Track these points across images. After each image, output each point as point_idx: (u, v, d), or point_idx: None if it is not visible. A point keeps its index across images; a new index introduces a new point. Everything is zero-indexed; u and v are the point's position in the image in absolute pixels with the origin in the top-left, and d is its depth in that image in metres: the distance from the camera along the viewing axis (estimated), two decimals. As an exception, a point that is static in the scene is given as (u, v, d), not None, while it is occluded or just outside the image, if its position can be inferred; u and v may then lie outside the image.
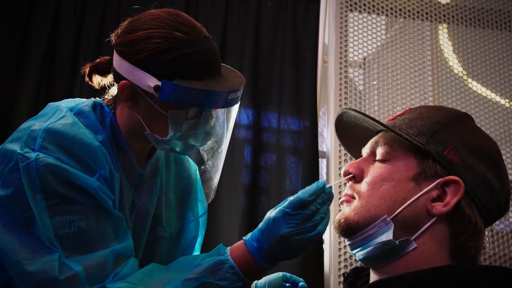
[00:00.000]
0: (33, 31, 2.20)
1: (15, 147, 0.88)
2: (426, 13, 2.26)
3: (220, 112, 1.03)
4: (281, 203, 0.86)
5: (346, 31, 2.18)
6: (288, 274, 1.11)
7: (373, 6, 2.22)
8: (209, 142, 1.06)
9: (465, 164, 0.76)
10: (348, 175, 0.81)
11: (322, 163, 2.39)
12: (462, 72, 2.32)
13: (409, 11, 2.25)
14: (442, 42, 2.30)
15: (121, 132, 1.00)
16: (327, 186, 0.85)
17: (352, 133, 0.88)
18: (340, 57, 2.18)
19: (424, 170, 0.76)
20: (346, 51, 2.19)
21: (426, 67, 2.32)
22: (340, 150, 2.32)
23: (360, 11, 2.19)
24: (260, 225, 0.88)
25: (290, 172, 2.30)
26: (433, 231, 0.75)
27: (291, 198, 0.85)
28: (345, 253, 1.96)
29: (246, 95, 2.36)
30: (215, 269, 0.86)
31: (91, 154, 0.91)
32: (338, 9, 2.15)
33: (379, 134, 0.83)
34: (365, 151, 0.84)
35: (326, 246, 2.11)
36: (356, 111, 0.82)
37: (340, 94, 2.21)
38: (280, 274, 1.10)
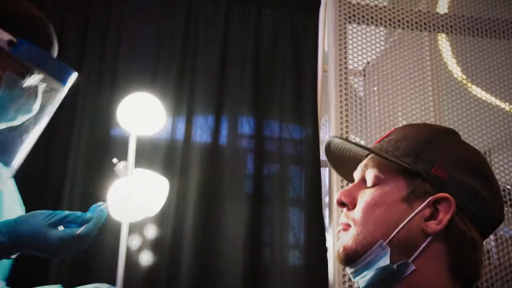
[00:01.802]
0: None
1: None
2: (425, 23, 2.28)
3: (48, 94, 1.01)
4: None
5: (345, 41, 2.20)
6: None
7: (371, 18, 2.23)
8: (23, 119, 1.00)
9: (453, 179, 0.76)
10: (341, 203, 0.82)
11: (325, 171, 2.40)
12: (462, 77, 2.34)
13: (407, 22, 2.27)
14: (441, 47, 2.32)
15: None
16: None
17: (342, 158, 0.89)
18: (340, 66, 2.20)
19: (414, 190, 0.76)
20: (345, 60, 2.20)
21: (426, 72, 2.33)
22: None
23: (358, 23, 2.21)
24: None
25: (293, 181, 2.31)
26: (431, 251, 0.75)
27: None
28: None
29: (247, 104, 2.39)
30: None
31: None
32: (336, 21, 2.17)
33: (368, 158, 0.84)
34: (356, 175, 0.85)
35: (330, 256, 2.11)
36: (341, 138, 0.85)
37: (340, 101, 2.23)
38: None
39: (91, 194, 1.95)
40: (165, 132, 2.30)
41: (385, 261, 0.73)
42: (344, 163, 0.91)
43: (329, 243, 2.14)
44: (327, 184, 2.38)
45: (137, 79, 2.27)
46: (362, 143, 2.33)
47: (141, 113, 1.69)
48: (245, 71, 2.39)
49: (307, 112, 2.39)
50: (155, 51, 2.36)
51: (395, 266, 0.73)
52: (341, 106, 2.24)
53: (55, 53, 1.01)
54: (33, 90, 0.95)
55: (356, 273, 0.79)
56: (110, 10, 2.34)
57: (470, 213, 0.76)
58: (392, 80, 2.26)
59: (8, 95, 0.91)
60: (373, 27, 2.24)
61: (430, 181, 0.76)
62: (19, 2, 0.96)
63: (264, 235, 2.22)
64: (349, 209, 0.81)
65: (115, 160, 1.71)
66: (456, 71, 2.36)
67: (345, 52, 2.20)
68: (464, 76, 2.34)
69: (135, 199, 1.62)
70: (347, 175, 0.92)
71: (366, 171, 0.82)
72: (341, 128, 2.29)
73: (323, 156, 2.37)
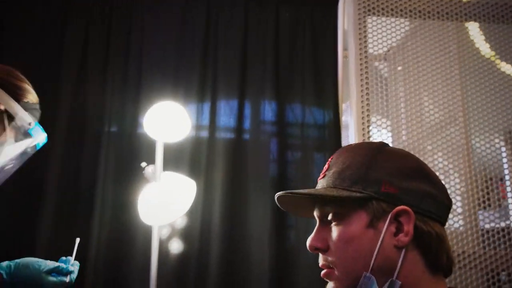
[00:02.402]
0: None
1: None
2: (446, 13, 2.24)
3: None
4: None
5: (365, 26, 2.18)
6: None
7: (391, 9, 2.20)
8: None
9: (402, 190, 0.80)
10: (315, 249, 0.85)
11: None
12: (488, 54, 2.30)
13: (428, 12, 2.23)
14: (467, 29, 2.28)
15: None
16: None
17: (297, 202, 0.91)
18: (360, 50, 2.19)
19: (374, 214, 0.80)
20: (365, 44, 2.19)
21: (452, 50, 2.30)
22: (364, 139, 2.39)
23: (378, 16, 2.19)
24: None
25: (317, 165, 2.38)
26: (408, 260, 0.79)
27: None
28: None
29: (269, 89, 2.44)
30: None
31: None
32: (356, 11, 2.14)
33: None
34: (316, 214, 0.88)
35: None
36: (288, 192, 0.87)
37: (361, 85, 2.24)
38: None
39: (122, 199, 2.10)
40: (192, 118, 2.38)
41: None
42: (300, 206, 0.93)
43: None
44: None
45: (162, 69, 2.37)
46: (384, 122, 2.37)
47: (167, 122, 1.77)
48: (267, 58, 2.43)
49: (328, 97, 2.43)
50: (178, 39, 2.43)
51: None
52: (361, 90, 2.26)
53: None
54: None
55: None
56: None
57: (428, 213, 0.80)
58: (417, 60, 2.24)
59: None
60: (393, 19, 2.22)
61: (384, 199, 0.80)
62: (27, 84, 1.24)
63: (289, 218, 2.32)
64: (324, 252, 0.85)
65: (143, 164, 1.82)
66: (483, 48, 2.32)
67: (365, 36, 2.18)
68: (491, 53, 2.30)
69: (164, 204, 1.73)
70: (306, 214, 0.95)
71: (325, 209, 0.85)
72: (362, 112, 2.32)
73: (344, 141, 2.43)
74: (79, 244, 1.32)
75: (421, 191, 0.82)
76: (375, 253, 0.79)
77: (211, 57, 2.43)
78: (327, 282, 0.87)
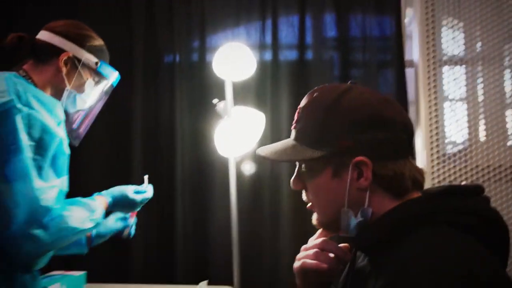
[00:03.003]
0: None
1: None
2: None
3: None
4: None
5: None
6: None
7: None
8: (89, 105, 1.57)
9: (357, 142, 0.87)
10: (297, 190, 0.98)
11: (410, 71, 2.46)
12: None
13: None
14: None
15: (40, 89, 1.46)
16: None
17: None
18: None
19: (336, 167, 0.89)
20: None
21: None
22: (428, 59, 2.38)
23: None
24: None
25: (379, 82, 2.45)
26: (375, 198, 0.89)
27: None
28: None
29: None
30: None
31: None
32: None
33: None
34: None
35: (417, 154, 2.30)
36: (261, 155, 0.97)
37: None
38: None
39: (198, 132, 2.34)
40: (254, 38, 2.51)
41: (353, 219, 0.91)
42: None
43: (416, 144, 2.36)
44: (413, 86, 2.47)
45: None
46: (450, 21, 2.37)
47: (234, 62, 1.89)
48: None
49: (390, 3, 2.42)
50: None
51: (360, 216, 0.89)
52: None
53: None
54: (97, 88, 1.53)
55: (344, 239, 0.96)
56: None
57: (385, 157, 0.88)
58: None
59: (88, 92, 1.51)
60: None
61: (343, 153, 0.88)
62: (93, 32, 1.50)
63: None
64: (305, 192, 0.96)
65: (215, 101, 1.98)
66: None
67: None
68: None
69: (237, 137, 1.90)
70: None
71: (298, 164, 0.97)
72: (427, 13, 2.33)
73: (408, 56, 2.43)
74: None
75: (377, 139, 0.87)
76: (346, 199, 0.89)
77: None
78: None
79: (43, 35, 1.45)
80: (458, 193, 0.91)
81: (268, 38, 2.51)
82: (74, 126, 1.61)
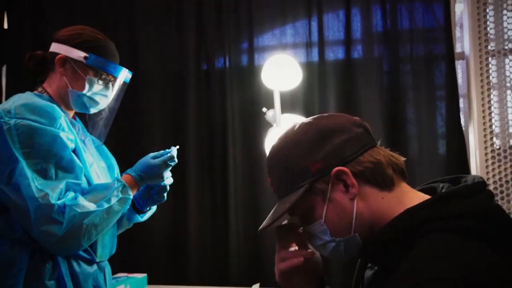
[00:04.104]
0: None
1: None
2: None
3: (114, 85, 1.61)
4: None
5: None
6: None
7: None
8: (104, 104, 1.62)
9: (324, 160, 0.91)
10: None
11: (462, 63, 2.43)
12: None
13: None
14: None
15: (56, 102, 1.56)
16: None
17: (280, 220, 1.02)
18: None
19: (322, 192, 0.91)
20: None
21: None
22: (480, 49, 2.34)
23: None
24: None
25: (429, 74, 2.43)
26: (368, 199, 0.91)
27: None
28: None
29: None
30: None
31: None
32: None
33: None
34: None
35: (468, 144, 2.33)
36: (263, 227, 0.99)
37: None
38: None
39: (249, 141, 2.46)
40: (301, 36, 2.57)
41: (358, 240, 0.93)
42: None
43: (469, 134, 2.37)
44: (461, 78, 2.45)
45: None
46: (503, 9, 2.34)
47: (282, 74, 1.99)
48: None
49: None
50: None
51: (343, 242, 0.92)
52: None
53: (116, 59, 1.58)
54: (106, 85, 1.56)
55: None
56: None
57: (354, 155, 0.91)
58: None
59: (91, 90, 1.54)
60: None
61: (319, 177, 0.91)
62: (87, 30, 1.56)
63: (407, 125, 2.48)
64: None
65: (264, 109, 2.07)
66: None
67: None
68: None
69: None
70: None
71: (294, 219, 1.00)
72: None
73: (458, 48, 2.40)
74: None
75: (336, 145, 0.91)
76: (341, 219, 0.91)
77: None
78: None
79: (51, 47, 1.57)
80: (463, 193, 0.89)
81: (315, 36, 2.55)
82: (92, 124, 1.73)
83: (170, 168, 1.58)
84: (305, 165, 0.92)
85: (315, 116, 1.00)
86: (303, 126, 0.97)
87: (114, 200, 1.48)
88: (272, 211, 0.99)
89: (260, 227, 1.00)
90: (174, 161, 1.58)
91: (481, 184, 0.92)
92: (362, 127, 0.95)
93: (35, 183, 1.38)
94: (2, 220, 1.48)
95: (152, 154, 1.59)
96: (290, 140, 0.96)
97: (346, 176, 0.90)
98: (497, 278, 0.78)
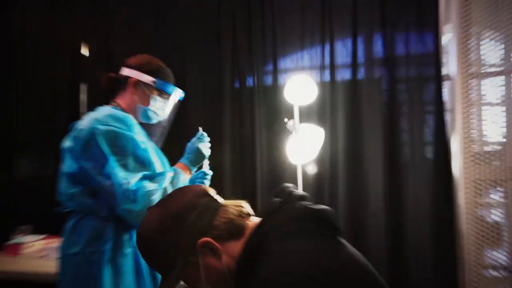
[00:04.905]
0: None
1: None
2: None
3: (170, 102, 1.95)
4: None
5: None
6: None
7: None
8: (163, 116, 1.96)
9: (185, 238, 0.98)
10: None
11: (447, 84, 2.76)
12: None
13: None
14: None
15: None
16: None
17: None
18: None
19: (193, 263, 0.98)
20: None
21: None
22: (463, 72, 2.61)
23: None
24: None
25: (421, 93, 2.76)
26: (228, 251, 0.99)
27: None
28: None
29: (377, 24, 2.82)
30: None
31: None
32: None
33: None
34: None
35: (453, 152, 2.65)
36: None
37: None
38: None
39: (274, 147, 2.88)
40: (316, 60, 2.94)
41: None
42: None
43: (453, 141, 2.70)
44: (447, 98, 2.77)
45: (290, 22, 2.96)
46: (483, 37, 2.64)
47: (301, 91, 2.46)
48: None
49: (430, 23, 2.76)
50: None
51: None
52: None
53: (174, 82, 1.93)
54: (165, 102, 1.92)
55: None
56: None
57: (208, 221, 1.00)
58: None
59: (154, 106, 1.89)
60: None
61: (189, 253, 0.98)
62: (153, 60, 1.91)
63: (401, 134, 2.80)
64: None
65: (286, 120, 2.54)
66: None
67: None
68: None
69: (303, 148, 2.46)
70: None
71: None
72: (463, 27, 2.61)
73: (445, 71, 2.76)
74: None
75: (192, 224, 0.99)
76: (226, 271, 0.98)
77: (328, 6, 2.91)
78: None
79: (122, 71, 1.89)
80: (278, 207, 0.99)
81: (327, 60, 2.91)
82: (152, 132, 2.01)
83: (204, 143, 1.95)
84: (175, 247, 0.98)
85: (162, 200, 1.08)
86: (157, 215, 1.03)
87: (168, 181, 1.75)
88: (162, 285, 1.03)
89: None
90: (203, 135, 1.95)
91: (286, 193, 1.04)
92: (206, 195, 1.04)
93: (120, 173, 1.65)
94: (94, 201, 1.75)
95: (193, 140, 1.96)
96: (154, 231, 1.01)
97: (209, 243, 0.97)
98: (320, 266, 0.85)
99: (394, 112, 2.82)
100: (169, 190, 1.75)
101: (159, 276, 1.92)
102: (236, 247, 0.99)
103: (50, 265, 2.39)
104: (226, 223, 1.00)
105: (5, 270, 2.58)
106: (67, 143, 1.80)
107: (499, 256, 2.58)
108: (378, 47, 2.85)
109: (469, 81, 2.65)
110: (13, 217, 3.09)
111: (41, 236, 3.04)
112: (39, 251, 2.88)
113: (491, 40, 2.60)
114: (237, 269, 0.96)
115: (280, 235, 0.93)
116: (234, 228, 1.01)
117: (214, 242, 0.97)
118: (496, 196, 2.61)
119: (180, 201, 1.03)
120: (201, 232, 0.98)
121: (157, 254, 1.01)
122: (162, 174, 1.77)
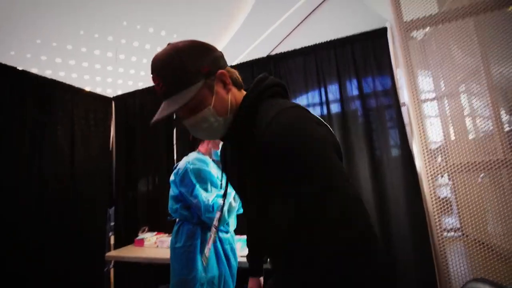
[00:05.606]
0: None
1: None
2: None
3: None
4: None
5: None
6: None
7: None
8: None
9: (209, 65, 1.08)
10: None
11: (404, 108, 3.39)
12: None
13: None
14: None
15: (206, 156, 2.31)
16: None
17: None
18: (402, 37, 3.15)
19: (209, 88, 1.09)
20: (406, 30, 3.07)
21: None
22: (414, 99, 3.25)
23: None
24: None
25: (387, 116, 3.49)
26: (233, 92, 1.14)
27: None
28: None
29: (352, 73, 3.75)
30: None
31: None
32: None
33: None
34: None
35: (414, 153, 3.33)
36: (157, 120, 1.09)
37: (405, 56, 3.42)
38: None
39: None
40: (317, 98, 3.84)
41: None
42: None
43: (413, 147, 3.31)
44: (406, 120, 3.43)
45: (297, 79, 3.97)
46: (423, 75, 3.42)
47: None
48: (348, 67, 3.86)
49: (387, 73, 3.56)
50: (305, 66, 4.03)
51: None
52: (406, 56, 3.29)
53: None
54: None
55: None
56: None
57: (224, 66, 1.11)
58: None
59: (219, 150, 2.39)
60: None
61: (208, 76, 1.09)
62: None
63: (375, 145, 3.51)
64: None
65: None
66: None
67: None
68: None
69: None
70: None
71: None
72: (409, 72, 3.32)
73: (402, 99, 3.63)
74: None
75: (215, 58, 1.11)
76: (228, 102, 1.11)
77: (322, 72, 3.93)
78: None
79: None
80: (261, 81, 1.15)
81: (323, 98, 3.73)
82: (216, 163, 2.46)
83: None
84: (197, 68, 1.06)
85: (184, 40, 1.12)
86: (186, 42, 1.08)
87: (232, 197, 2.27)
88: (163, 107, 1.09)
89: (153, 119, 1.10)
90: None
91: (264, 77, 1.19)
92: (219, 51, 1.13)
93: (203, 194, 2.14)
94: (189, 213, 2.35)
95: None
96: (180, 50, 1.07)
97: (225, 77, 1.09)
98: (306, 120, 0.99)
99: (369, 129, 3.54)
100: (233, 203, 2.25)
101: (231, 260, 2.46)
102: (238, 94, 1.12)
103: (162, 252, 3.39)
104: (233, 73, 1.18)
105: (136, 256, 3.57)
106: (172, 177, 2.49)
107: (452, 221, 3.11)
108: (353, 87, 3.67)
109: (418, 104, 3.19)
110: (138, 221, 4.29)
111: (154, 233, 4.23)
112: (154, 243, 4.03)
113: (424, 76, 3.24)
114: (241, 104, 1.08)
115: (269, 93, 1.10)
116: (238, 79, 1.17)
117: (228, 78, 1.10)
118: (445, 179, 3.09)
119: (206, 43, 1.15)
120: (220, 67, 1.10)
121: (178, 70, 1.07)
122: (228, 194, 2.19)
